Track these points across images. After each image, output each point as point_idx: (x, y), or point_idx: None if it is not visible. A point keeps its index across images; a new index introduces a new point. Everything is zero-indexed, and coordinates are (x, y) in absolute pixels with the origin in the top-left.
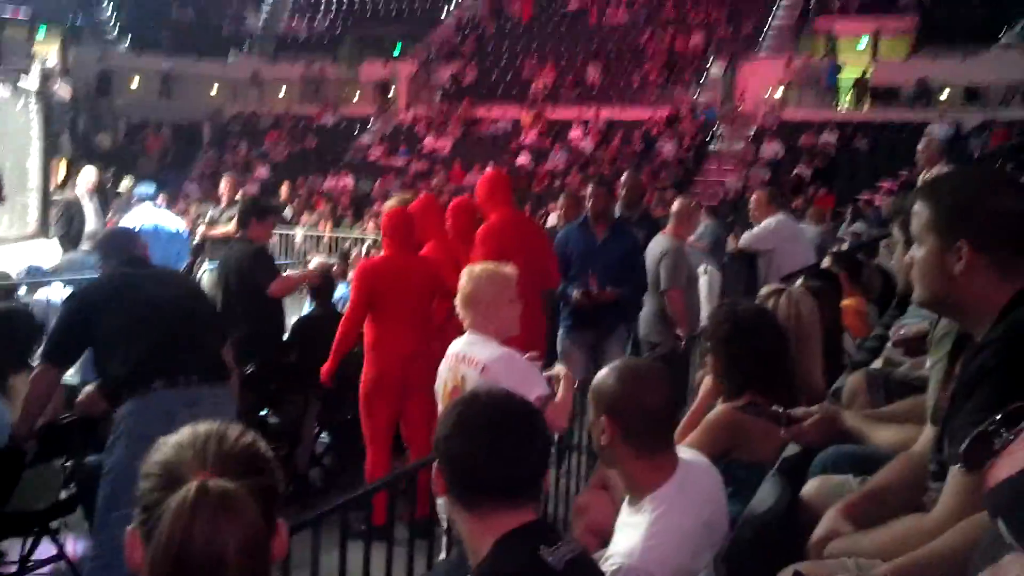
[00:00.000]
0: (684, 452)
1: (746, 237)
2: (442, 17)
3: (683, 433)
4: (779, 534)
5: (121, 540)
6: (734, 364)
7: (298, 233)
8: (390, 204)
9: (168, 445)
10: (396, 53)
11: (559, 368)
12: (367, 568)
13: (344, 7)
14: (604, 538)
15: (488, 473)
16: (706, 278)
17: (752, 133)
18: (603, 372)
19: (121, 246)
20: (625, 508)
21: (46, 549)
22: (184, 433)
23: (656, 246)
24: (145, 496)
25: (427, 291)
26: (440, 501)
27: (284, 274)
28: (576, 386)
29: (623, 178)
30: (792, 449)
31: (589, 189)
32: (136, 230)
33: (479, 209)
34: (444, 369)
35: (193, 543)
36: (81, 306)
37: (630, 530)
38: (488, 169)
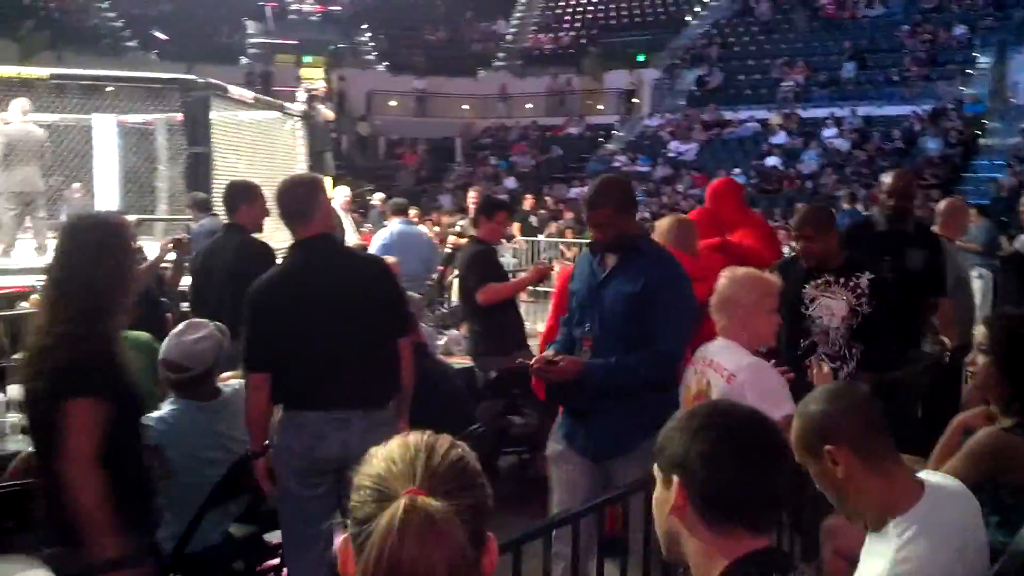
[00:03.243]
0: (933, 476)
1: (1022, 239)
2: (686, 22)
3: (939, 459)
4: None
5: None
6: (1013, 381)
7: (543, 240)
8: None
9: (378, 458)
10: (640, 60)
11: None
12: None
13: (588, 19)
14: (854, 562)
15: (740, 493)
16: (980, 282)
17: None
18: (800, 412)
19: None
20: (869, 537)
21: None
22: (393, 445)
23: None
24: (357, 508)
25: None
26: None
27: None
28: None
29: (888, 179)
30: None
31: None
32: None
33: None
34: (689, 373)
35: (401, 563)
36: (250, 304)
37: (876, 557)
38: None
